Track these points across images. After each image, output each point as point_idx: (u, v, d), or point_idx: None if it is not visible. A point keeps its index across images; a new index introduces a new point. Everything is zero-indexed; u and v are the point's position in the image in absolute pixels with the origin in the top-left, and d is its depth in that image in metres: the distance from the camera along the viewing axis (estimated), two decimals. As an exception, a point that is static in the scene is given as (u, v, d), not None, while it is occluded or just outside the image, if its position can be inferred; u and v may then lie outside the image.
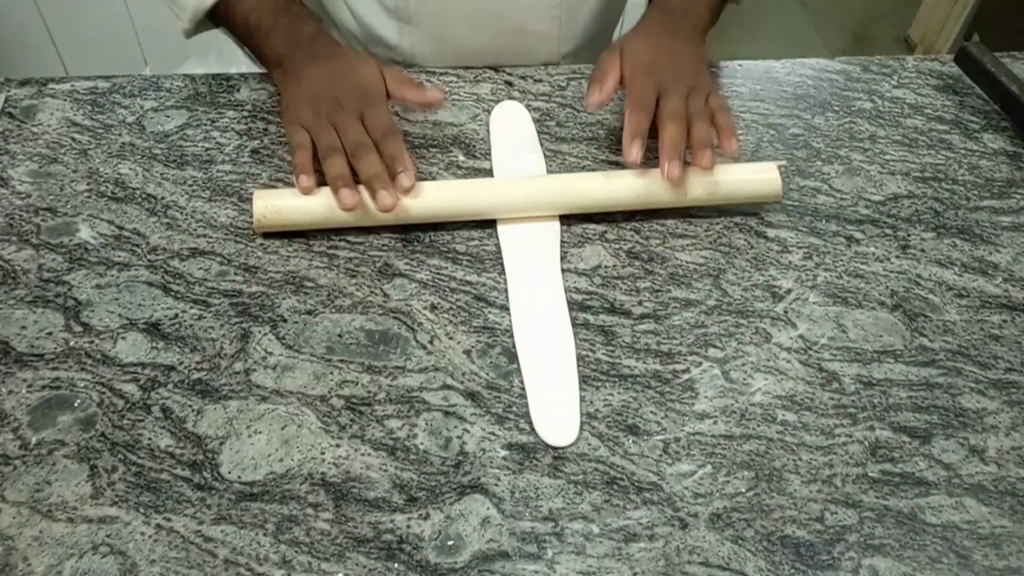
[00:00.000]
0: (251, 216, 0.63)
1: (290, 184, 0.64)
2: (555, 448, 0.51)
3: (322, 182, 0.61)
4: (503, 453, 0.50)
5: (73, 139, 0.68)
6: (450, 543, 0.46)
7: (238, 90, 0.73)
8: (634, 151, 0.61)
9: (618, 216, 0.65)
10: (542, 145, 0.70)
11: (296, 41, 0.67)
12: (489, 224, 0.64)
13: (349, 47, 0.69)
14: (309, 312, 0.57)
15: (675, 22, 0.69)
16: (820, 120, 0.75)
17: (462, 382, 0.54)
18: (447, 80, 0.76)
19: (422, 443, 0.51)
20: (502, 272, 0.60)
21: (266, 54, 0.69)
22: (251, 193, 0.64)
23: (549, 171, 0.68)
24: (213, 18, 0.72)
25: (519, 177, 0.66)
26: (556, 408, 0.52)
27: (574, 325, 0.57)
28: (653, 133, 0.62)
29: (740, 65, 0.80)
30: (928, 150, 0.73)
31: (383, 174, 0.60)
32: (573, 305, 0.58)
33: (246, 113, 0.71)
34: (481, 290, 0.59)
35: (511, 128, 0.71)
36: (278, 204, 0.61)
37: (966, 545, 0.48)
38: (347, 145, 0.61)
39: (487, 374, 0.54)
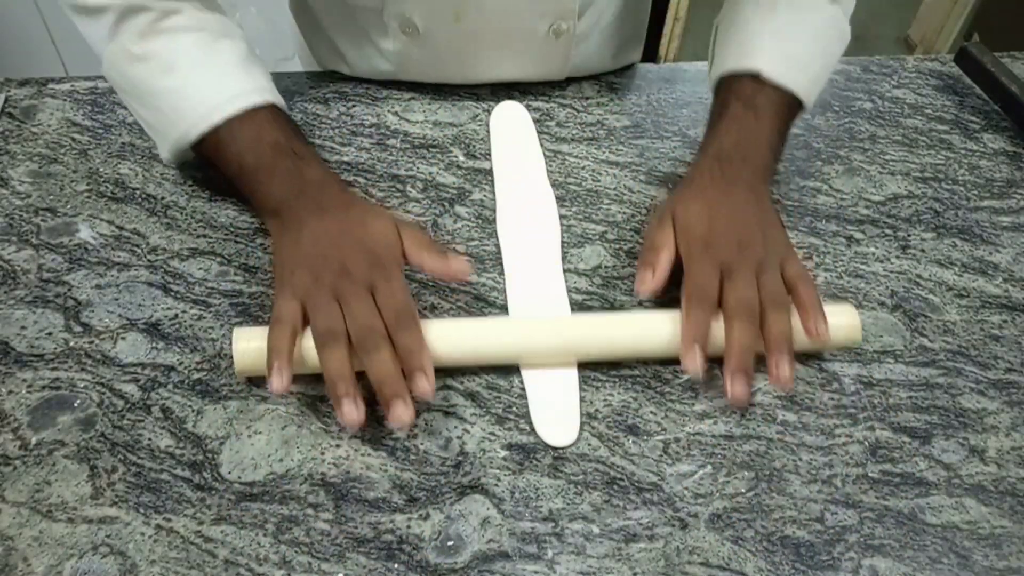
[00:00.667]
0: (251, 216, 0.63)
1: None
2: (555, 448, 0.51)
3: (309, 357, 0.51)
4: (503, 453, 0.50)
5: (73, 139, 0.68)
6: (450, 543, 0.46)
7: (238, 90, 0.73)
8: (694, 361, 0.49)
9: (618, 216, 0.65)
10: (542, 145, 0.70)
11: (300, 187, 0.56)
12: (489, 224, 0.64)
13: (363, 198, 0.59)
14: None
15: (731, 172, 0.57)
16: (820, 120, 0.75)
17: (462, 382, 0.54)
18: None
19: (422, 443, 0.51)
20: (502, 272, 0.60)
21: (261, 200, 0.58)
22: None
23: (549, 171, 0.68)
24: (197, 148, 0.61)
25: (544, 321, 0.56)
26: (556, 408, 0.52)
27: (574, 325, 0.57)
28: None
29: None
30: (928, 150, 0.73)
31: (396, 378, 0.48)
32: (573, 305, 0.58)
33: (246, 113, 0.71)
34: (481, 290, 0.59)
35: (511, 128, 0.71)
36: (263, 346, 0.50)
37: (966, 545, 0.48)
38: (353, 330, 0.49)
39: (487, 374, 0.54)
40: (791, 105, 0.62)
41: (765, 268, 0.52)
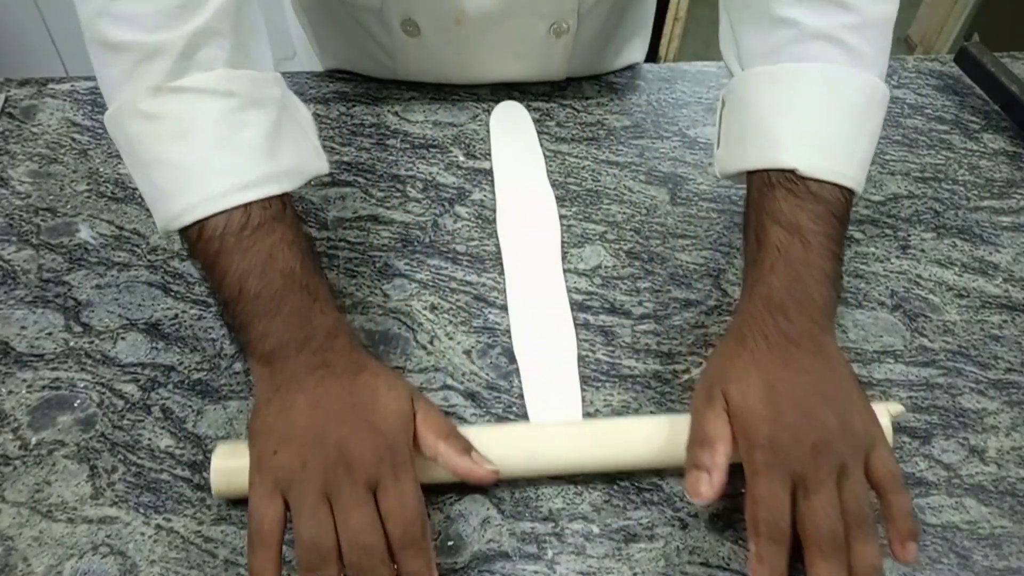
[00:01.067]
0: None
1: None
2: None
3: None
4: (503, 453, 0.50)
5: (73, 139, 0.68)
6: (450, 543, 0.46)
7: (238, 90, 0.73)
8: None
9: (618, 216, 0.65)
10: (542, 145, 0.70)
11: (305, 337, 0.45)
12: (489, 224, 0.64)
13: (375, 358, 0.47)
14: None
15: (789, 327, 0.45)
16: (820, 120, 0.75)
17: (462, 382, 0.54)
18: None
19: (422, 443, 0.51)
20: (502, 272, 0.60)
21: (254, 340, 0.46)
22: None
23: (548, 171, 0.68)
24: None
25: (566, 434, 0.49)
26: (556, 414, 0.52)
27: (574, 325, 0.57)
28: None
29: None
30: (928, 150, 0.73)
31: None
32: (573, 305, 0.58)
33: (246, 113, 0.71)
34: (481, 290, 0.59)
35: (511, 128, 0.71)
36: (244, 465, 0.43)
37: (966, 545, 0.48)
38: (347, 546, 0.40)
39: (487, 374, 0.54)
40: (842, 203, 0.49)
41: (848, 472, 0.42)
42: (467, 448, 0.45)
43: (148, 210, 0.61)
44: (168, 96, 0.46)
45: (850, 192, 0.49)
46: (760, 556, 0.41)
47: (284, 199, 0.48)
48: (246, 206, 0.46)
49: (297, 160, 0.50)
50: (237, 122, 0.47)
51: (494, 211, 0.65)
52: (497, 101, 0.74)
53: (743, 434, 0.43)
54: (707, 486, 0.42)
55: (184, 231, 0.47)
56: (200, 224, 0.46)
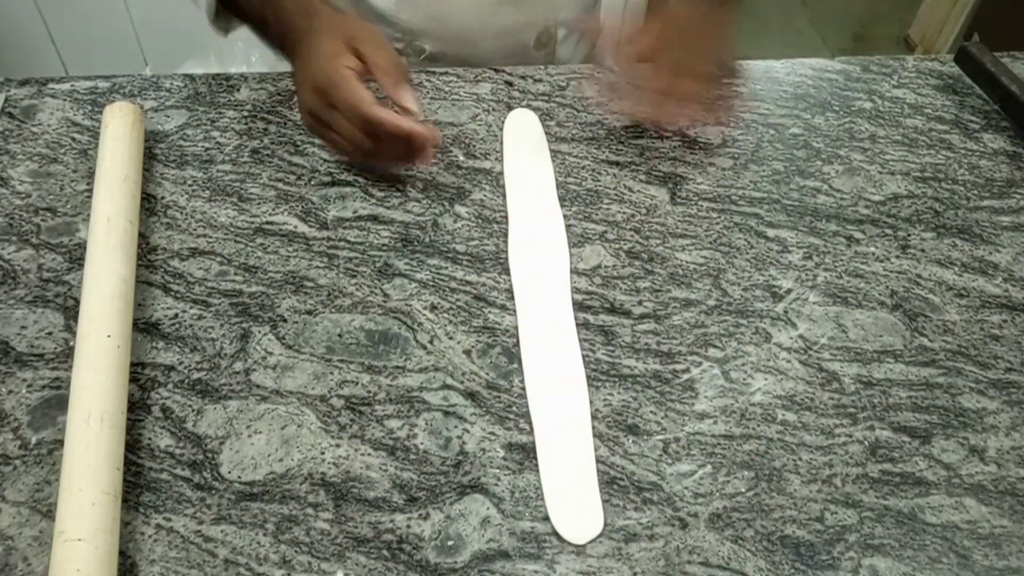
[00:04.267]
0: (251, 216, 0.63)
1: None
2: (576, 545, 0.47)
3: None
4: (503, 453, 0.50)
5: (73, 139, 0.68)
6: (450, 543, 0.46)
7: (238, 90, 0.73)
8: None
9: (618, 216, 0.65)
10: (542, 145, 0.70)
11: (282, 28, 0.66)
12: (489, 224, 0.64)
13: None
14: (309, 312, 0.57)
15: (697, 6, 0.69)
16: (820, 120, 0.75)
17: (462, 382, 0.54)
18: (447, 80, 0.76)
19: (422, 443, 0.51)
20: (502, 272, 0.60)
21: (276, 36, 0.68)
22: (251, 193, 0.65)
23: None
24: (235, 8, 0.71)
25: None
26: (575, 498, 0.48)
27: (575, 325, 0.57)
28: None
29: (740, 65, 0.80)
30: (928, 150, 0.73)
31: (399, 151, 0.60)
32: (573, 305, 0.58)
33: (246, 113, 0.71)
34: (481, 290, 0.59)
35: (523, 138, 0.71)
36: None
37: (966, 545, 0.48)
38: (354, 151, 0.62)
39: (487, 374, 0.54)
40: None
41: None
42: (401, 81, 0.59)
43: (149, 211, 0.61)
44: None
45: None
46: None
47: None
48: None
49: None
50: None
51: (494, 211, 0.65)
52: (497, 101, 0.74)
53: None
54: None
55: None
56: None
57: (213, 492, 0.48)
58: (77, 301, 0.56)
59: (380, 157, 0.62)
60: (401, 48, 0.80)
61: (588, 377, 0.54)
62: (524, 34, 0.80)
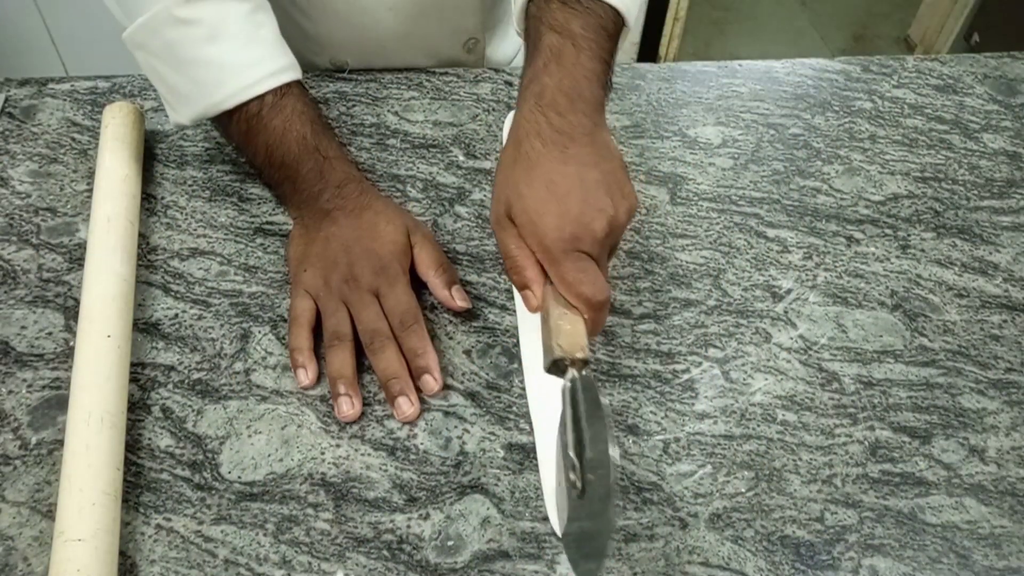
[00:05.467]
0: (251, 216, 0.63)
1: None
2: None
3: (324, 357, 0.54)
4: (503, 453, 0.50)
5: (73, 139, 0.68)
6: (450, 543, 0.46)
7: (238, 90, 0.73)
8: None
9: (618, 216, 0.65)
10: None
11: (320, 189, 0.58)
12: (488, 223, 0.64)
13: (382, 199, 0.60)
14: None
15: (563, 123, 0.48)
16: (820, 120, 0.75)
17: (462, 382, 0.54)
18: (447, 80, 0.76)
19: (422, 443, 0.51)
20: (502, 272, 0.60)
21: (285, 196, 0.60)
22: (251, 193, 0.64)
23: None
24: (215, 119, 0.60)
25: None
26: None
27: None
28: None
29: (740, 65, 0.80)
30: (928, 150, 0.73)
31: (402, 375, 0.51)
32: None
33: (246, 113, 0.71)
34: (481, 290, 0.59)
35: None
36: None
37: (966, 545, 0.48)
38: (361, 333, 0.53)
39: (487, 374, 0.54)
40: (612, 21, 0.52)
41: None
42: (451, 281, 0.56)
43: (149, 211, 0.61)
44: (199, 3, 0.56)
45: (620, 16, 0.53)
46: (596, 322, 0.46)
47: (296, 85, 0.60)
48: (267, 95, 0.58)
49: (293, 57, 0.61)
50: (255, 23, 0.59)
51: (494, 211, 0.65)
52: (497, 101, 0.74)
53: (535, 242, 0.47)
54: (534, 299, 0.48)
55: (216, 116, 0.58)
56: (229, 111, 0.57)
57: (213, 492, 0.48)
58: (77, 301, 0.56)
59: (386, 360, 0.52)
60: (322, 63, 0.77)
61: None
62: (449, 42, 0.79)
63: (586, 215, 0.46)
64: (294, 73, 0.60)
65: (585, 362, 0.44)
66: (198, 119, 0.60)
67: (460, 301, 0.56)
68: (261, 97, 0.57)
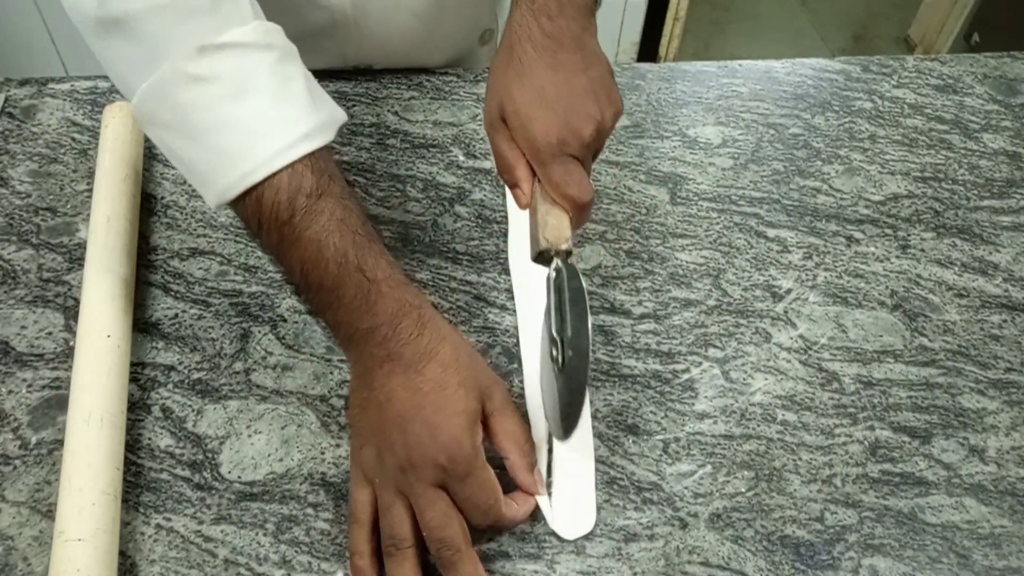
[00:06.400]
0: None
1: None
2: (569, 541, 0.47)
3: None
4: (503, 453, 0.50)
5: (73, 139, 0.68)
6: (450, 543, 0.46)
7: (238, 90, 0.73)
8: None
9: (618, 216, 0.65)
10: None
11: (370, 326, 0.46)
12: (489, 224, 0.64)
13: (449, 333, 0.48)
14: (309, 312, 0.57)
15: (553, 28, 0.48)
16: (820, 120, 0.75)
17: (462, 382, 0.54)
18: (447, 80, 0.76)
19: (422, 443, 0.51)
20: (502, 272, 0.60)
21: (331, 327, 0.49)
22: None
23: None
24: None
25: None
26: (569, 494, 0.48)
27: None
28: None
29: (740, 65, 0.80)
30: (928, 150, 0.73)
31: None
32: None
33: (246, 113, 0.71)
34: (481, 290, 0.59)
35: None
36: None
37: (966, 545, 0.48)
38: (428, 539, 0.44)
39: (487, 374, 0.54)
40: None
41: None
42: (534, 463, 0.47)
43: (149, 211, 0.61)
44: (216, 54, 0.45)
45: None
46: (580, 220, 0.48)
47: (328, 153, 0.49)
48: (299, 164, 0.46)
49: (330, 107, 0.51)
50: (284, 74, 0.48)
51: (494, 211, 0.65)
52: (497, 101, 0.74)
53: (526, 145, 0.47)
54: (524, 197, 0.48)
55: (241, 204, 0.47)
56: (258, 193, 0.46)
57: (213, 492, 0.48)
58: (77, 301, 0.56)
59: (454, 572, 0.43)
60: (348, 69, 0.76)
61: (588, 377, 0.54)
62: (467, 37, 0.80)
63: (574, 121, 0.47)
64: (326, 135, 0.49)
65: (569, 253, 0.47)
66: (222, 201, 0.47)
67: (541, 487, 0.48)
68: (291, 195, 0.46)
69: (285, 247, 0.47)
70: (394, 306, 0.46)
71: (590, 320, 0.44)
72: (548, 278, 0.47)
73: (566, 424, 0.46)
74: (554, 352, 0.45)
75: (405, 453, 0.44)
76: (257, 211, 0.47)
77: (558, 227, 0.47)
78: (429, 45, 0.77)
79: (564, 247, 0.46)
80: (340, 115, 0.51)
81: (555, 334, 0.45)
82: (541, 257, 0.47)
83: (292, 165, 0.46)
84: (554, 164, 0.46)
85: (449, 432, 0.44)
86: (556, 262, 0.46)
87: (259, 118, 0.46)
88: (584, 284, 0.45)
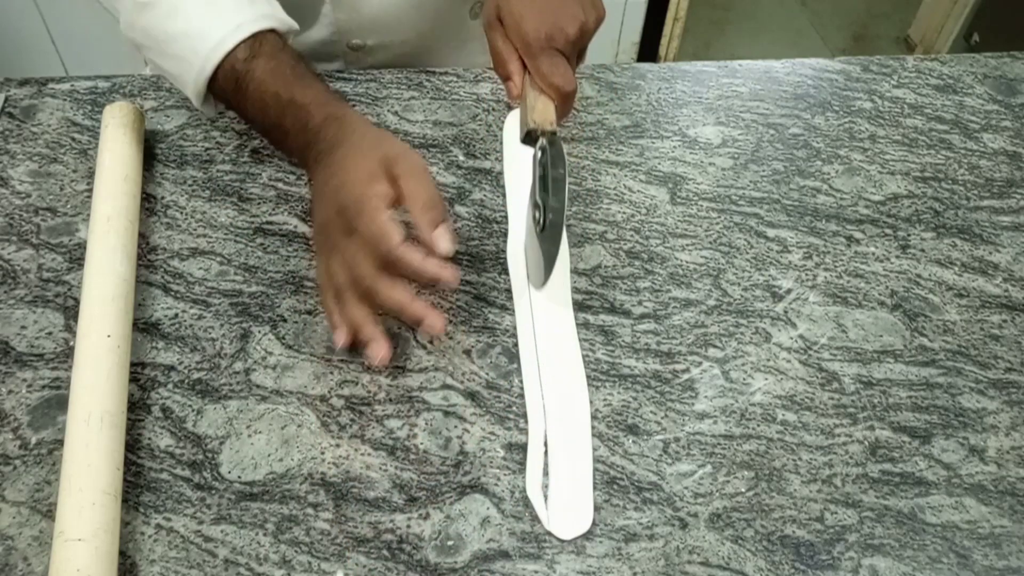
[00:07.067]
0: (251, 216, 0.63)
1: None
2: (568, 541, 0.47)
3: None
4: (503, 453, 0.50)
5: (73, 139, 0.68)
6: (450, 543, 0.46)
7: (238, 90, 0.73)
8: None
9: (618, 216, 0.65)
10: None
11: (307, 139, 0.56)
12: (489, 224, 0.64)
13: (362, 125, 0.56)
14: (309, 312, 0.57)
15: None
16: (820, 120, 0.75)
17: (462, 382, 0.54)
18: (447, 80, 0.76)
19: (422, 443, 0.51)
20: (502, 272, 0.60)
21: (287, 155, 0.62)
22: (251, 193, 0.65)
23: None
24: (217, 95, 0.60)
25: None
26: (567, 494, 0.49)
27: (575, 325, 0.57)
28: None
29: (740, 65, 0.80)
30: (928, 150, 0.73)
31: (410, 302, 0.50)
32: (573, 305, 0.58)
33: (246, 113, 0.71)
34: (481, 290, 0.59)
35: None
36: None
37: (966, 545, 0.48)
38: (353, 281, 0.51)
39: (487, 374, 0.54)
40: None
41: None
42: (437, 220, 0.50)
43: (149, 211, 0.61)
44: None
45: None
46: (564, 109, 0.55)
47: (264, 38, 0.58)
48: (237, 49, 0.57)
49: (271, 8, 0.60)
50: None
51: (494, 211, 0.65)
52: (497, 101, 0.74)
53: (518, 40, 0.55)
54: (515, 88, 0.56)
55: (211, 96, 0.60)
56: (217, 82, 0.58)
57: (213, 492, 0.48)
58: (77, 301, 0.56)
59: (382, 298, 0.50)
60: (338, 50, 0.79)
61: (588, 377, 0.54)
62: (459, 12, 0.82)
63: (561, 20, 0.55)
64: (265, 22, 0.58)
65: (554, 134, 0.54)
66: (200, 97, 0.59)
67: (443, 244, 0.49)
68: (234, 66, 0.57)
69: (242, 108, 0.59)
70: (320, 119, 0.56)
71: (567, 190, 0.52)
72: (534, 155, 0.55)
73: (546, 272, 0.55)
74: (536, 215, 0.54)
75: (322, 216, 0.53)
76: (223, 95, 0.59)
77: (544, 111, 0.54)
78: (423, 21, 0.79)
79: (549, 128, 0.54)
80: (286, 19, 0.61)
81: (538, 200, 0.54)
82: (528, 137, 0.55)
83: (230, 52, 0.57)
84: (542, 57, 0.54)
85: (346, 188, 0.51)
86: (542, 141, 0.54)
87: (195, 24, 0.58)
88: (567, 161, 0.53)
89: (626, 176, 0.68)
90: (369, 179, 0.51)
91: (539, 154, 0.54)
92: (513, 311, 0.58)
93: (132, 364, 0.53)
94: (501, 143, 0.70)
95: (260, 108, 0.57)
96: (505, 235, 0.63)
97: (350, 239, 0.51)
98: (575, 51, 0.56)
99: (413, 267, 0.49)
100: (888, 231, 0.66)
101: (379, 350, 0.50)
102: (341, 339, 0.52)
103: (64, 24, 1.62)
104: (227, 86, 0.58)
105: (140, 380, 0.53)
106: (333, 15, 0.76)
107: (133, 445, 0.49)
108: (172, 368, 0.53)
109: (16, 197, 0.63)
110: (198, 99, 0.60)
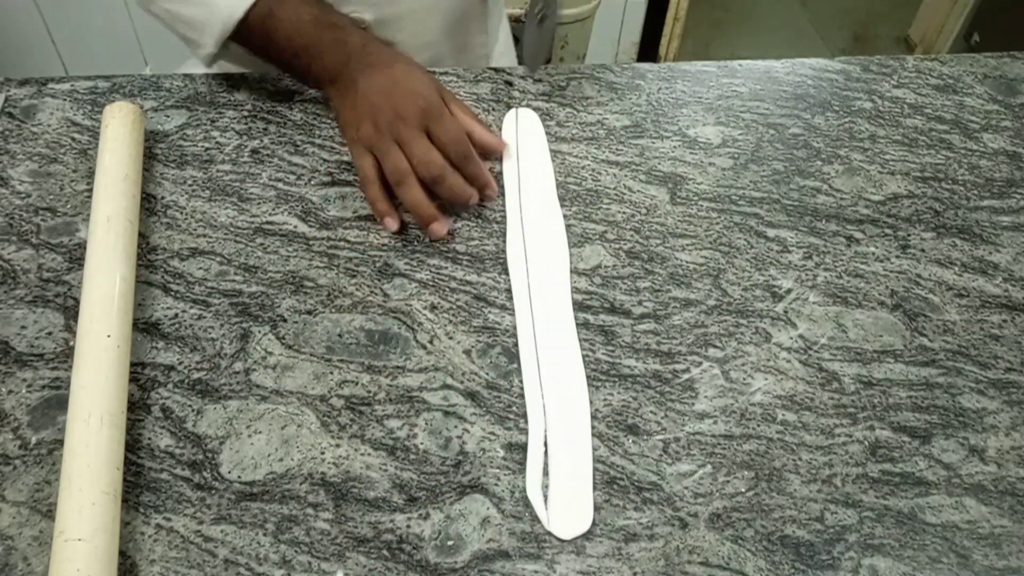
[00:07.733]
0: (251, 216, 0.63)
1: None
2: (568, 541, 0.47)
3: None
4: (503, 453, 0.50)
5: (73, 139, 0.68)
6: (450, 543, 0.46)
7: (238, 90, 0.73)
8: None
9: (618, 216, 0.65)
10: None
11: (347, 55, 0.63)
12: (489, 224, 0.64)
13: (405, 56, 0.65)
14: (309, 312, 0.57)
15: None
16: (820, 120, 0.75)
17: (462, 382, 0.54)
18: (447, 80, 0.76)
19: (422, 443, 0.51)
20: (502, 272, 0.60)
21: (318, 73, 0.65)
22: (251, 193, 0.65)
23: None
24: (237, 37, 0.66)
25: None
26: (566, 493, 0.49)
27: (574, 325, 0.57)
28: None
29: (740, 65, 0.80)
30: (928, 150, 0.73)
31: (471, 194, 0.61)
32: (573, 305, 0.58)
33: (246, 113, 0.71)
34: (481, 290, 0.59)
35: (523, 137, 0.70)
36: None
37: (966, 545, 0.48)
38: (417, 167, 0.60)
39: (487, 374, 0.54)
40: None
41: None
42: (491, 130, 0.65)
43: (149, 211, 0.61)
44: None
45: None
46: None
47: None
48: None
49: None
50: None
51: (494, 211, 0.65)
52: (497, 101, 0.74)
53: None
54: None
55: (237, 35, 0.65)
56: (246, 26, 0.64)
57: (213, 492, 0.48)
58: (77, 301, 0.56)
59: (450, 182, 0.60)
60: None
61: (588, 377, 0.54)
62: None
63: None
64: None
65: None
66: (221, 40, 0.65)
67: (502, 144, 0.66)
68: (263, 11, 0.63)
69: (271, 34, 0.64)
70: (361, 40, 0.64)
71: None
72: None
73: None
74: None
75: (393, 111, 0.60)
76: (246, 30, 0.64)
77: None
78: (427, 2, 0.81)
79: None
80: None
81: None
82: None
83: (255, 3, 0.63)
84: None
85: (424, 90, 0.61)
86: None
87: None
88: None
89: (626, 176, 0.68)
90: (440, 92, 0.62)
91: None
92: (513, 311, 0.58)
93: (132, 364, 0.53)
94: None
95: (295, 29, 0.63)
96: (505, 235, 0.63)
97: (421, 136, 0.60)
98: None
99: (476, 165, 0.61)
100: (888, 231, 0.66)
101: (442, 226, 0.60)
102: (393, 225, 0.60)
103: (64, 24, 1.62)
104: (261, 10, 0.63)
105: (140, 380, 0.53)
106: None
107: (133, 445, 0.49)
108: (172, 368, 0.53)
109: (16, 197, 0.63)
110: (218, 41, 0.65)
